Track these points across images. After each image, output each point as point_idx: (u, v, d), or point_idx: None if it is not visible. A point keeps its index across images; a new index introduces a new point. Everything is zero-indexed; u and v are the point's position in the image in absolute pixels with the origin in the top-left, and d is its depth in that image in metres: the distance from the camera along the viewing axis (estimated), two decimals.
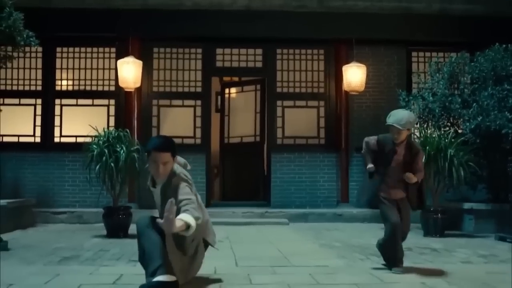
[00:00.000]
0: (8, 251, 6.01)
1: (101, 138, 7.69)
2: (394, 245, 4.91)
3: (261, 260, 5.52)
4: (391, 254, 4.98)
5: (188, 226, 3.74)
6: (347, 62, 10.19)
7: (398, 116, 4.87)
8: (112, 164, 7.46)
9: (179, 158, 4.40)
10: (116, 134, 7.76)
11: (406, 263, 5.11)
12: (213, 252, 4.59)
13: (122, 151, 7.53)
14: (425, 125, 8.68)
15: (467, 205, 8.44)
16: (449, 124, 8.71)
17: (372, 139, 5.14)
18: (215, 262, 5.02)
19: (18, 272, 4.80)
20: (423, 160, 7.61)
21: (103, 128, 8.01)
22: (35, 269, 4.94)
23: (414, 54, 10.91)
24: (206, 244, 4.40)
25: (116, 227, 7.58)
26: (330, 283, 4.42)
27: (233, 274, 4.76)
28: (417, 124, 8.92)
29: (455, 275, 4.75)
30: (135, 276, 4.35)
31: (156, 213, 4.43)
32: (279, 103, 10.75)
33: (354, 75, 9.99)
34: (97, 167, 7.52)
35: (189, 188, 4.08)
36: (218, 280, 4.46)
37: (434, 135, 8.14)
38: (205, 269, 4.63)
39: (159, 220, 3.61)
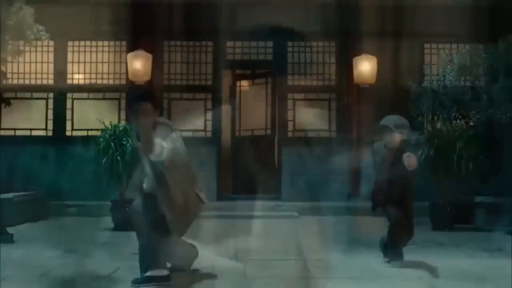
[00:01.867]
0: (13, 244, 6.08)
1: (108, 132, 7.73)
2: (394, 240, 4.88)
3: (261, 254, 5.52)
4: (391, 248, 4.94)
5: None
6: (358, 54, 10.09)
7: (391, 119, 4.99)
8: (118, 158, 7.50)
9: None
10: (122, 128, 7.79)
11: (408, 257, 5.06)
12: (214, 245, 4.60)
13: (128, 145, 7.55)
14: (435, 118, 8.56)
15: (478, 199, 8.31)
16: (459, 116, 8.58)
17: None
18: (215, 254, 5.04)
19: (17, 264, 4.85)
20: (431, 153, 7.67)
21: (110, 122, 8.02)
22: (34, 262, 4.99)
23: (426, 45, 10.72)
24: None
25: (122, 220, 7.58)
26: (325, 276, 4.40)
27: (230, 267, 4.77)
28: (428, 117, 8.84)
29: (455, 270, 4.70)
30: (131, 269, 4.36)
31: None
32: (290, 96, 10.68)
33: (365, 67, 9.90)
34: (104, 160, 7.56)
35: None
36: (213, 273, 4.47)
37: (443, 128, 8.03)
38: (203, 262, 4.64)
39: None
